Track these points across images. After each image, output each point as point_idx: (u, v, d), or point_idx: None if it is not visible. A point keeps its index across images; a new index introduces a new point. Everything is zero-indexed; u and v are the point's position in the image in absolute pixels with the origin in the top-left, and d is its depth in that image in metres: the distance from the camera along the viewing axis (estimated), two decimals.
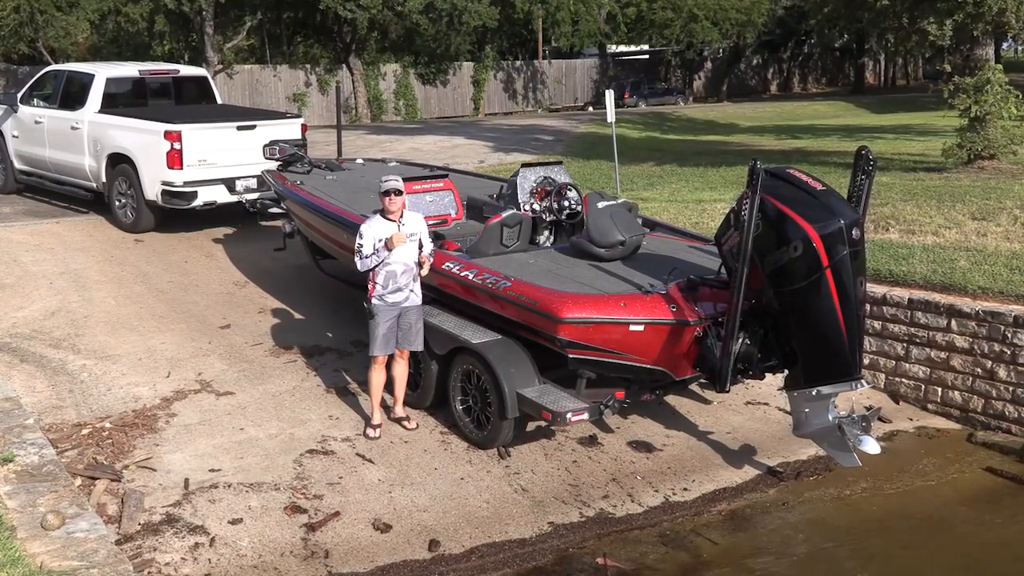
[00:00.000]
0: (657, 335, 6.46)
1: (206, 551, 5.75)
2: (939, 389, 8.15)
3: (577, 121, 27.91)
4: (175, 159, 11.38)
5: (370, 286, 6.99)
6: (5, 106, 13.91)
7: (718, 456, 7.30)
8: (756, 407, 8.12)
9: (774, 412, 8.01)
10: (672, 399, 7.98)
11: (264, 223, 11.63)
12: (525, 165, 8.99)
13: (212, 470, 6.64)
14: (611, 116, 13.72)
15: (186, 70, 14.72)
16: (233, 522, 6.04)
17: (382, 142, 21.64)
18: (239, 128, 11.93)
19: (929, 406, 8.22)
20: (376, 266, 6.88)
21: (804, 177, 6.34)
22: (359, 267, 6.92)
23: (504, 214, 7.80)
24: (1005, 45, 38.50)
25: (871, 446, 6.30)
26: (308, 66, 34.07)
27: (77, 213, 12.99)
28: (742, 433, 7.65)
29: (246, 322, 9.54)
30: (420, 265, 6.99)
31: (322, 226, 8.94)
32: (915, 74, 57.44)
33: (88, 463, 6.61)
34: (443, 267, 7.30)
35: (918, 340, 8.20)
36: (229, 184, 11.80)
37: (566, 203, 8.33)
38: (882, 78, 55.22)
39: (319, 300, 10.16)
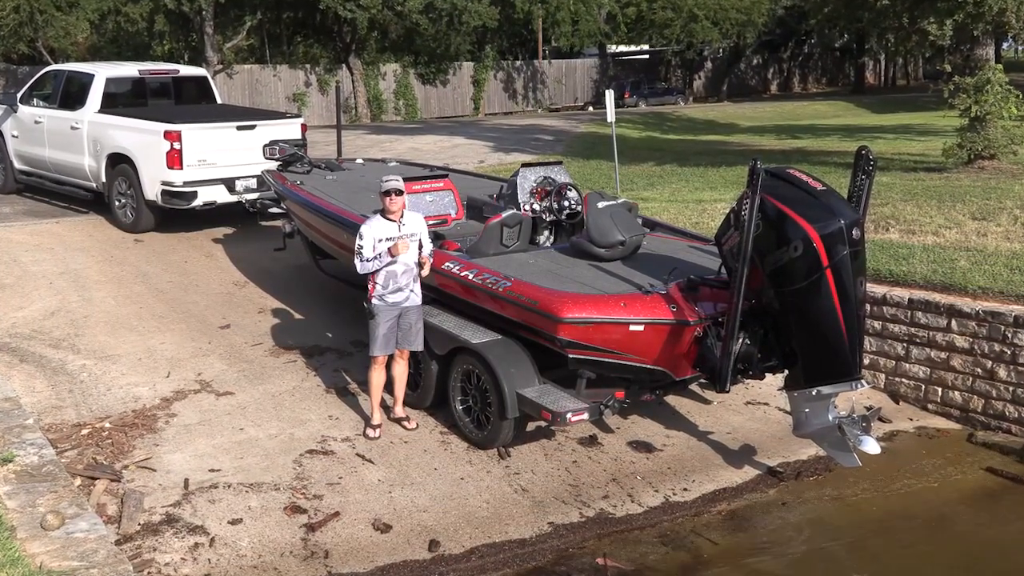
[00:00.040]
0: (657, 335, 6.45)
1: (206, 551, 5.75)
2: (939, 389, 8.15)
3: (577, 121, 27.91)
4: (175, 159, 11.38)
5: (370, 286, 6.99)
6: (5, 106, 13.90)
7: (718, 456, 7.30)
8: (756, 407, 8.12)
9: (774, 412, 8.00)
10: (672, 399, 7.98)
11: (264, 223, 11.62)
12: (525, 165, 8.99)
13: (212, 470, 6.64)
14: (611, 116, 13.72)
15: (186, 70, 14.72)
16: (233, 522, 6.04)
17: (382, 142, 21.64)
18: (239, 128, 11.93)
19: (929, 406, 8.22)
20: (379, 276, 6.89)
21: (804, 177, 6.34)
22: (359, 269, 6.91)
23: (504, 214, 7.79)
24: (1005, 45, 38.50)
25: (871, 446, 6.30)
26: (308, 66, 34.07)
27: (77, 213, 12.99)
28: (742, 433, 7.65)
29: (246, 322, 9.54)
30: (420, 265, 6.99)
31: (322, 226, 8.94)
32: (915, 74, 57.45)
33: (88, 463, 6.61)
34: (443, 267, 7.30)
35: (918, 340, 8.20)
36: (229, 184, 11.80)
37: (566, 203, 8.33)
38: (882, 78, 55.24)
39: (319, 300, 10.16)
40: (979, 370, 7.85)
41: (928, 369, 8.19)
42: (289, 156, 10.51)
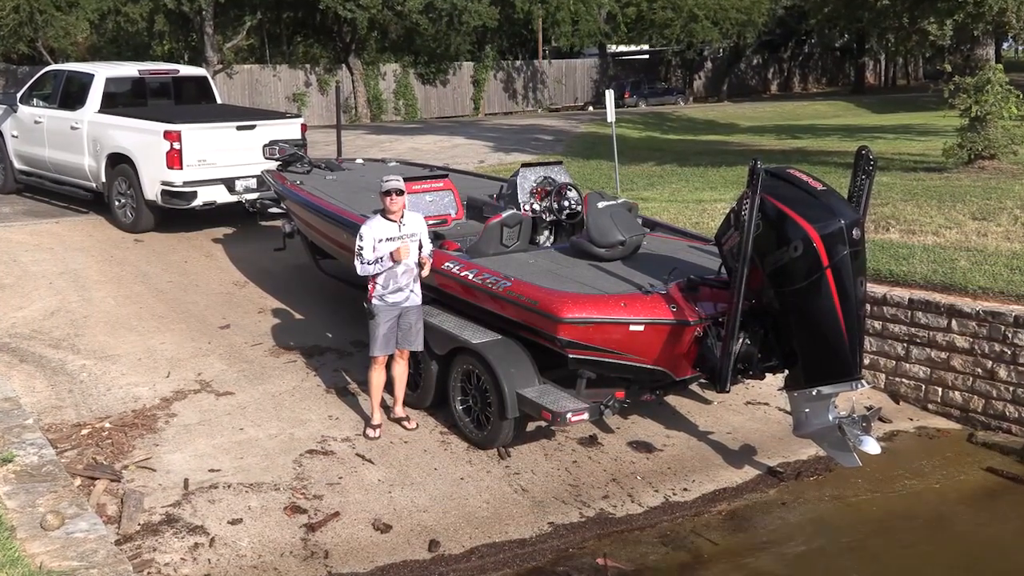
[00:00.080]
0: (657, 335, 6.45)
1: (206, 551, 5.75)
2: (939, 389, 8.14)
3: (577, 121, 27.91)
4: (175, 159, 11.38)
5: (370, 286, 6.98)
6: (5, 106, 13.90)
7: (718, 456, 7.30)
8: (756, 407, 8.12)
9: (774, 412, 8.00)
10: (672, 399, 7.97)
11: (264, 223, 11.62)
12: (525, 165, 8.98)
13: (212, 470, 6.63)
14: (611, 116, 13.73)
15: (186, 70, 14.72)
16: (233, 522, 6.03)
17: (382, 142, 21.64)
18: (239, 128, 11.93)
19: (929, 406, 8.21)
20: (379, 276, 6.88)
21: (804, 177, 6.33)
22: (359, 271, 6.90)
23: (504, 214, 7.79)
24: (1005, 45, 38.50)
25: (871, 446, 6.30)
26: (308, 66, 34.08)
27: (77, 213, 12.99)
28: (742, 433, 7.65)
29: (246, 322, 9.54)
30: (420, 266, 6.99)
31: (322, 226, 8.94)
32: (915, 74, 57.46)
33: (88, 463, 6.61)
34: (443, 267, 7.29)
35: (918, 340, 8.20)
36: (229, 184, 11.80)
37: (566, 203, 8.33)
38: (882, 78, 55.26)
39: (319, 300, 10.16)
40: (979, 370, 7.85)
41: (928, 369, 8.18)
42: (289, 156, 10.51)
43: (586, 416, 6.49)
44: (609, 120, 13.83)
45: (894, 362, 8.40)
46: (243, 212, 11.99)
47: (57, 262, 10.92)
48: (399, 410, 7.41)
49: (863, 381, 6.39)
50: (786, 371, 6.72)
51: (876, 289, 8.35)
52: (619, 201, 7.89)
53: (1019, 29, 16.68)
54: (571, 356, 6.55)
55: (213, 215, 12.55)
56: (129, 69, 13.70)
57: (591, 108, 38.29)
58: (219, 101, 14.39)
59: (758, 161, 6.10)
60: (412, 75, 36.11)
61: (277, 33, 34.74)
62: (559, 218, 8.33)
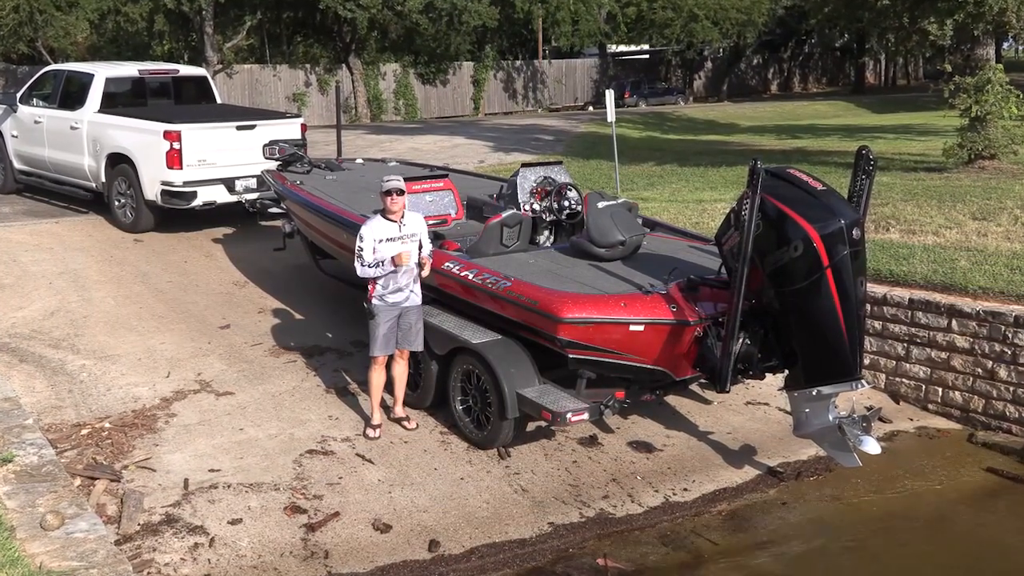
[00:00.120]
0: (657, 335, 6.45)
1: (205, 551, 5.74)
2: (940, 389, 8.14)
3: (577, 121, 27.91)
4: (175, 159, 11.37)
5: (370, 286, 6.98)
6: (4, 106, 13.90)
7: (718, 456, 7.29)
8: (756, 407, 8.12)
9: (774, 412, 8.00)
10: (672, 399, 7.97)
11: (264, 223, 11.62)
12: (525, 165, 8.98)
13: (212, 470, 6.63)
14: (611, 116, 13.72)
15: (186, 70, 14.72)
16: (233, 522, 6.03)
17: (382, 142, 21.64)
18: (239, 128, 11.93)
19: (930, 406, 8.21)
20: (379, 277, 6.88)
21: (804, 177, 6.33)
22: (359, 272, 6.90)
23: (504, 214, 7.79)
24: (1006, 45, 38.51)
25: (871, 446, 6.29)
26: (308, 66, 34.07)
27: (76, 213, 12.99)
28: (742, 433, 7.64)
29: (246, 322, 9.54)
30: (420, 266, 6.99)
31: (322, 226, 8.93)
32: (916, 74, 57.47)
33: (87, 463, 6.61)
34: (443, 267, 7.29)
35: (919, 340, 8.19)
36: (229, 184, 11.80)
37: (566, 203, 8.32)
38: (883, 78, 55.26)
39: (319, 300, 10.15)
40: (979, 370, 7.85)
41: (928, 369, 8.18)
42: (289, 156, 10.51)
43: (586, 416, 6.49)
44: (609, 120, 13.83)
45: (894, 362, 8.40)
46: (243, 212, 11.99)
47: (57, 262, 10.92)
48: (399, 410, 7.41)
49: (863, 381, 6.38)
50: (786, 371, 6.71)
51: (876, 289, 8.35)
52: (619, 201, 7.88)
53: (1019, 29, 16.68)
54: (571, 356, 6.55)
55: (213, 215, 12.55)
56: (129, 69, 13.70)
57: (591, 108, 38.29)
58: (219, 101, 14.39)
59: (758, 161, 6.10)
60: (412, 75, 36.11)
61: (277, 33, 34.74)
62: (559, 218, 8.33)
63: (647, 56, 46.22)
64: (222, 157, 11.69)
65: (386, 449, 7.03)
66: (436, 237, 7.77)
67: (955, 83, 13.89)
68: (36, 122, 13.22)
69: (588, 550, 6.10)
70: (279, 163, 10.51)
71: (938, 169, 14.17)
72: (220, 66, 29.79)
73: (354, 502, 6.35)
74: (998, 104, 13.37)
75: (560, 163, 9.26)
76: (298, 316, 9.80)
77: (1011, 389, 7.68)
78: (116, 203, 12.24)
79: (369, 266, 6.81)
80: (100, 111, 12.43)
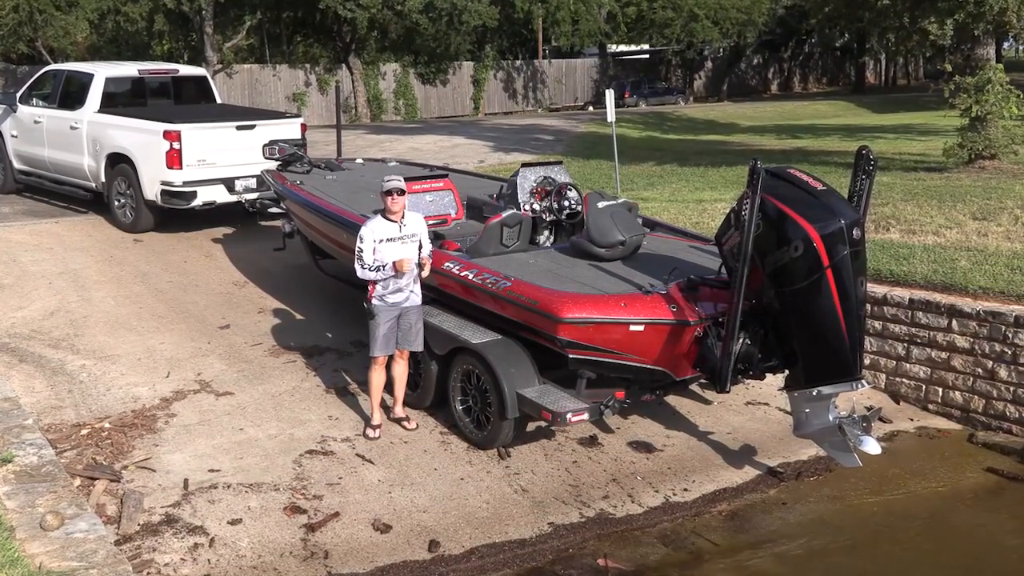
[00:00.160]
0: (657, 335, 6.45)
1: (205, 552, 5.74)
2: (940, 389, 8.14)
3: (577, 121, 27.90)
4: (174, 159, 11.37)
5: (370, 286, 6.97)
6: (4, 106, 13.90)
7: (718, 456, 7.29)
8: (756, 407, 8.11)
9: (774, 412, 7.99)
10: (672, 399, 7.97)
11: (264, 223, 11.62)
12: (525, 165, 8.98)
13: (211, 470, 6.63)
14: (611, 116, 13.72)
15: (185, 70, 14.72)
16: (232, 522, 6.03)
17: (382, 142, 21.63)
18: (238, 128, 11.93)
19: (930, 406, 8.21)
20: (380, 280, 6.87)
21: (805, 177, 6.33)
22: (359, 273, 6.90)
23: (504, 214, 7.79)
24: (1006, 44, 38.47)
25: (872, 446, 6.29)
26: (308, 66, 34.07)
27: (76, 213, 12.99)
28: (742, 433, 7.64)
29: (246, 322, 9.53)
30: (420, 266, 6.98)
31: (322, 226, 8.93)
32: (916, 74, 57.47)
33: (87, 463, 6.60)
34: (443, 267, 7.29)
35: (919, 340, 8.19)
36: (228, 184, 11.80)
37: (566, 203, 8.32)
38: (883, 78, 55.25)
39: (319, 300, 10.15)
40: (980, 370, 7.84)
41: (929, 369, 8.18)
42: (289, 156, 10.50)
43: (586, 416, 6.48)
44: (609, 120, 13.83)
45: (894, 362, 8.39)
46: (243, 212, 11.99)
47: (56, 262, 10.91)
48: (399, 410, 7.41)
49: (863, 381, 6.38)
50: (786, 371, 6.71)
51: (876, 289, 8.35)
52: (619, 201, 7.88)
53: (1019, 29, 16.67)
54: (571, 356, 6.54)
55: (213, 215, 12.54)
56: (129, 69, 13.70)
57: (591, 108, 38.28)
58: (219, 101, 14.39)
59: (758, 161, 6.10)
60: (412, 75, 36.10)
61: (277, 33, 34.73)
62: (559, 218, 8.33)
63: (647, 56, 46.21)
64: (222, 157, 11.69)
65: (386, 449, 7.03)
66: (436, 237, 7.76)
67: (955, 83, 13.89)
68: (36, 122, 13.22)
69: (588, 550, 6.10)
70: (279, 163, 10.50)
71: (938, 169, 14.17)
72: (220, 66, 29.79)
73: (354, 502, 6.35)
74: (998, 104, 13.37)
75: (560, 163, 9.26)
76: (298, 316, 9.80)
77: (1011, 389, 7.68)
78: (116, 203, 12.23)
79: (370, 269, 6.81)
80: (100, 111, 12.43)
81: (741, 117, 30.16)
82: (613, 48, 43.93)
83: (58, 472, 5.65)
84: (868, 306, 7.99)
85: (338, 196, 9.13)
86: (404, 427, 7.32)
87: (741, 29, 40.64)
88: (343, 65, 33.84)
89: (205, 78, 14.39)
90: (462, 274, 7.18)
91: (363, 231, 6.89)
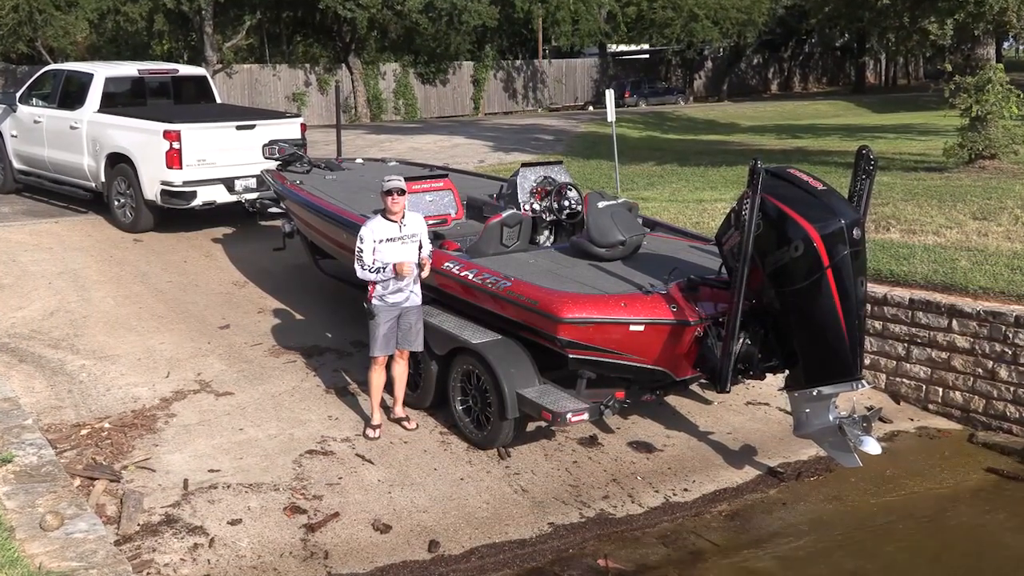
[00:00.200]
0: (657, 335, 6.44)
1: (205, 552, 5.74)
2: (940, 389, 8.13)
3: (577, 120, 27.90)
4: (174, 159, 11.37)
5: (370, 286, 6.97)
6: (4, 105, 13.90)
7: (719, 456, 7.29)
8: (757, 407, 8.11)
9: (775, 412, 7.99)
10: (672, 399, 7.96)
11: (263, 223, 11.62)
12: (525, 165, 8.97)
13: (211, 471, 6.62)
14: (611, 115, 13.72)
15: (185, 69, 14.71)
16: (232, 523, 6.02)
17: (382, 142, 21.63)
18: (238, 128, 11.92)
19: (930, 406, 8.20)
20: (380, 281, 6.87)
21: (805, 177, 6.32)
22: (358, 274, 6.89)
23: (504, 214, 7.78)
24: (1006, 44, 38.50)
25: (872, 446, 6.29)
26: (307, 65, 34.08)
27: (76, 213, 12.98)
28: (743, 433, 7.64)
29: (245, 322, 9.53)
30: (420, 266, 6.98)
31: (321, 226, 8.93)
32: (916, 73, 57.46)
33: (87, 463, 6.60)
34: (443, 267, 7.29)
35: (919, 340, 8.19)
36: (228, 184, 11.80)
37: (566, 203, 8.32)
38: (883, 77, 55.24)
39: (319, 300, 10.15)
40: (980, 370, 7.84)
41: (929, 369, 8.17)
42: (289, 156, 10.50)
43: (586, 416, 6.48)
44: (609, 120, 13.83)
45: (895, 362, 8.39)
46: (243, 212, 11.99)
47: (56, 262, 10.91)
48: (399, 410, 7.40)
49: (863, 381, 6.38)
50: (786, 371, 6.71)
51: (877, 289, 8.34)
52: (619, 201, 7.87)
53: (1020, 28, 16.66)
54: (571, 356, 6.54)
55: (213, 215, 12.54)
56: (128, 69, 13.69)
57: (591, 108, 38.28)
58: (218, 101, 14.39)
59: (758, 161, 6.09)
60: (412, 75, 36.11)
61: (277, 33, 34.74)
62: (559, 218, 8.32)
63: (647, 56, 46.21)
64: (222, 157, 11.68)
65: (386, 449, 7.03)
66: (436, 237, 7.76)
67: (955, 83, 13.89)
68: (36, 122, 13.22)
69: (588, 551, 6.09)
70: (279, 163, 10.50)
71: (939, 169, 14.17)
72: (220, 66, 29.80)
73: (354, 502, 6.35)
74: (998, 104, 13.37)
75: (560, 163, 9.26)
76: (298, 316, 9.80)
77: (1011, 389, 7.67)
78: (116, 203, 12.23)
79: (370, 271, 6.81)
80: (100, 111, 12.43)
81: (741, 117, 30.16)
82: (613, 48, 43.94)
83: (58, 472, 5.64)
84: (868, 306, 7.98)
85: (338, 196, 9.13)
86: (404, 427, 7.31)
87: (741, 29, 40.65)
88: (343, 65, 33.84)
89: (205, 78, 14.39)
90: (462, 274, 7.18)
91: (363, 231, 6.88)
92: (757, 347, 6.58)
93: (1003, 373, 7.70)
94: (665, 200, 12.49)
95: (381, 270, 6.79)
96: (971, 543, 6.41)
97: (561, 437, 7.33)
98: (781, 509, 6.70)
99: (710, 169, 15.49)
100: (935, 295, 8.15)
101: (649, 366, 6.61)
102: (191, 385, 8.02)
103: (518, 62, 40.47)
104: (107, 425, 7.25)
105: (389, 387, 7.31)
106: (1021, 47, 49.65)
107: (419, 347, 7.19)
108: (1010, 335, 7.62)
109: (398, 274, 6.78)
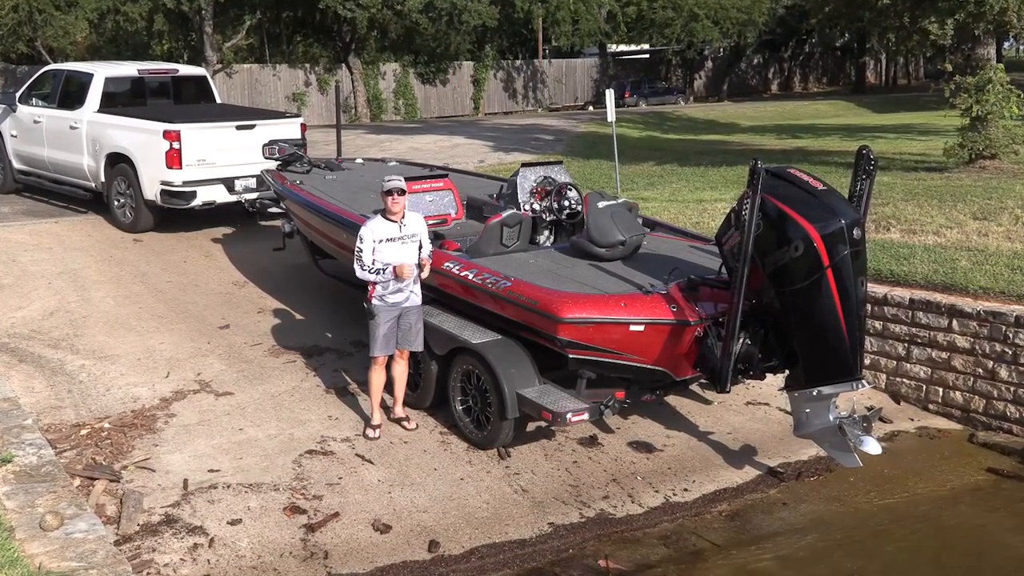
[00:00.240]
0: (657, 335, 6.44)
1: (205, 552, 5.73)
2: (940, 389, 8.13)
3: (577, 120, 27.89)
4: (174, 159, 11.36)
5: (370, 286, 6.97)
6: (4, 105, 13.89)
7: (719, 456, 7.28)
8: (757, 407, 8.11)
9: (775, 412, 7.99)
10: (672, 399, 7.96)
11: (263, 223, 11.61)
12: (525, 165, 8.97)
13: (211, 470, 6.62)
14: (611, 115, 13.72)
15: (185, 69, 14.71)
16: (232, 523, 6.02)
17: (382, 142, 21.63)
18: (238, 128, 11.92)
19: (930, 406, 8.20)
20: (380, 281, 6.87)
21: (805, 177, 6.32)
22: (358, 274, 6.89)
23: (504, 214, 7.78)
24: (1006, 44, 38.50)
25: (872, 446, 6.29)
26: (307, 65, 34.08)
27: (76, 213, 12.98)
28: (743, 433, 7.63)
29: (245, 322, 9.53)
30: (420, 267, 6.97)
31: (321, 226, 8.93)
32: (916, 73, 57.45)
33: (87, 463, 6.60)
34: (443, 267, 7.28)
35: (919, 340, 8.18)
36: (228, 184, 11.79)
37: (566, 203, 8.31)
38: (883, 77, 55.24)
39: (319, 300, 10.14)
40: (980, 370, 7.84)
41: (929, 369, 8.17)
42: (288, 156, 10.50)
43: (586, 416, 6.47)
44: (609, 120, 13.83)
45: (895, 362, 8.39)
46: (243, 212, 11.98)
47: (56, 262, 10.91)
48: (399, 410, 7.40)
49: (864, 381, 6.37)
50: (786, 371, 6.71)
51: (877, 289, 8.34)
52: (619, 201, 7.87)
53: (1020, 28, 16.67)
54: (571, 356, 6.54)
55: (213, 215, 12.54)
56: (128, 68, 13.69)
57: (591, 108, 38.28)
58: (218, 101, 14.39)
59: (759, 161, 6.09)
60: (412, 75, 36.11)
61: (277, 32, 34.74)
62: (559, 218, 8.32)
63: (647, 56, 46.21)
64: (222, 157, 11.68)
65: (386, 449, 7.02)
66: (436, 237, 7.76)
67: (956, 83, 13.89)
68: (35, 122, 13.21)
69: (588, 551, 6.09)
70: (279, 163, 10.50)
71: (939, 169, 14.17)
72: (220, 66, 29.80)
73: (354, 502, 6.34)
74: (999, 104, 13.37)
75: (560, 163, 9.26)
76: (298, 316, 9.79)
77: (1012, 389, 7.67)
78: (115, 203, 12.23)
79: (370, 271, 6.80)
80: (99, 111, 12.43)
81: (741, 117, 30.15)
82: (613, 48, 43.93)
83: (58, 472, 5.64)
84: (868, 306, 7.98)
85: (338, 196, 9.13)
86: (404, 427, 7.31)
87: (741, 29, 40.65)
88: (343, 65, 33.84)
89: (205, 78, 14.39)
90: (462, 274, 7.17)
91: (363, 231, 6.88)
92: (757, 347, 6.58)
93: (1003, 373, 7.70)
94: (665, 200, 12.48)
95: (381, 271, 6.79)
96: (971, 543, 6.41)
97: (561, 437, 7.32)
98: (781, 509, 6.69)
99: (710, 169, 15.48)
100: (935, 295, 8.14)
101: (649, 366, 6.61)
102: (191, 385, 8.02)
103: (518, 62, 40.47)
104: (107, 425, 7.25)
105: (389, 387, 7.31)
106: (1021, 47, 49.65)
107: (419, 347, 7.18)
108: (1010, 335, 7.61)
109: (398, 276, 6.79)
